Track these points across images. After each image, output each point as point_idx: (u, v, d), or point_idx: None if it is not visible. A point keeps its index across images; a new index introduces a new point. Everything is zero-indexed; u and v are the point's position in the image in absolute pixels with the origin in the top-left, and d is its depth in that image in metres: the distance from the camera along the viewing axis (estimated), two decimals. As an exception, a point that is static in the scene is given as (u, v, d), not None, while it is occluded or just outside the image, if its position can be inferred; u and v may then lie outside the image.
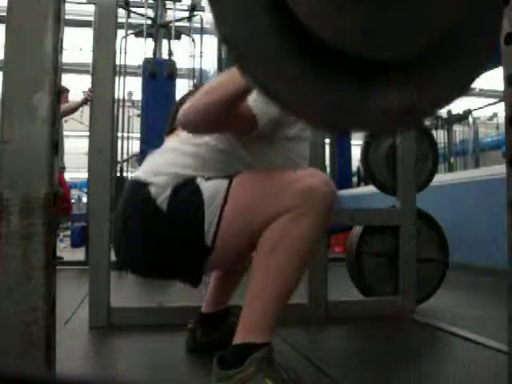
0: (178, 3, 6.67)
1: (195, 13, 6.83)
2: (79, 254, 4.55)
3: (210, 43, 6.87)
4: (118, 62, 5.34)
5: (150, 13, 6.90)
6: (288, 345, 1.62)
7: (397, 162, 2.28)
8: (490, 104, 11.45)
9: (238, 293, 1.56)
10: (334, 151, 2.84)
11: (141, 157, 5.19)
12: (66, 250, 5.97)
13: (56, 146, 0.78)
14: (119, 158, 5.85)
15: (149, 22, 6.68)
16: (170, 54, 6.42)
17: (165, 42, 6.71)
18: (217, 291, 1.56)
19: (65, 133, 4.99)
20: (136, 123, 7.57)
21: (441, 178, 4.28)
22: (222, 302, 1.56)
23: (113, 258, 1.70)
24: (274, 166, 1.27)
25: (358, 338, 1.92)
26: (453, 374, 1.33)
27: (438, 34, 0.62)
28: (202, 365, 1.41)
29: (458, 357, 1.58)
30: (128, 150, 6.81)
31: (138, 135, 6.23)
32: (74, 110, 4.53)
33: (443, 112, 11.83)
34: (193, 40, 7.00)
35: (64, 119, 5.51)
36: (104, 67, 1.94)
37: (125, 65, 6.21)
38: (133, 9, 6.68)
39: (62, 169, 4.62)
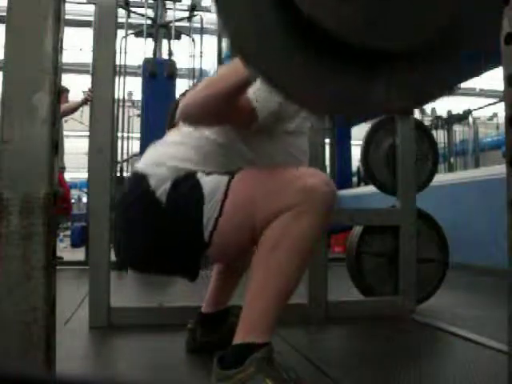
0: (178, 3, 6.67)
1: (195, 13, 6.84)
2: (79, 254, 4.55)
3: (210, 43, 6.88)
4: (118, 62, 5.34)
5: (150, 13, 6.90)
6: (288, 345, 1.62)
7: (397, 161, 2.28)
8: (489, 104, 11.44)
9: (237, 293, 1.56)
10: (334, 151, 2.85)
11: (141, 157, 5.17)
12: (66, 250, 5.97)
13: (56, 146, 0.78)
14: (119, 158, 5.85)
15: (149, 21, 6.68)
16: (170, 53, 6.41)
17: (165, 42, 6.71)
18: (217, 291, 1.56)
19: (65, 133, 4.98)
20: (136, 123, 7.57)
21: (441, 177, 4.28)
22: (222, 302, 1.56)
23: (113, 258, 1.71)
24: (274, 161, 1.27)
25: (358, 338, 1.92)
26: (453, 374, 1.33)
27: (440, 24, 0.62)
28: (201, 365, 1.41)
29: (458, 357, 1.58)
30: (128, 150, 6.81)
31: (138, 135, 6.23)
32: (74, 110, 4.53)
33: (443, 112, 11.85)
34: (193, 40, 7.00)
35: (64, 119, 5.51)
36: (104, 67, 1.94)
37: (125, 65, 6.20)
38: (133, 9, 6.68)
39: (62, 169, 4.62)
